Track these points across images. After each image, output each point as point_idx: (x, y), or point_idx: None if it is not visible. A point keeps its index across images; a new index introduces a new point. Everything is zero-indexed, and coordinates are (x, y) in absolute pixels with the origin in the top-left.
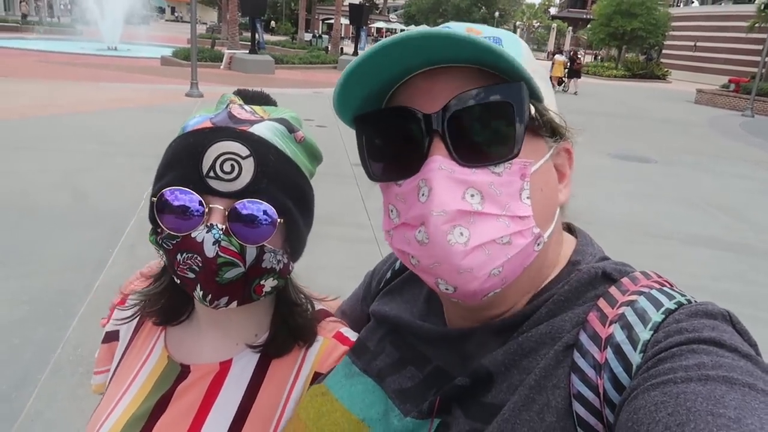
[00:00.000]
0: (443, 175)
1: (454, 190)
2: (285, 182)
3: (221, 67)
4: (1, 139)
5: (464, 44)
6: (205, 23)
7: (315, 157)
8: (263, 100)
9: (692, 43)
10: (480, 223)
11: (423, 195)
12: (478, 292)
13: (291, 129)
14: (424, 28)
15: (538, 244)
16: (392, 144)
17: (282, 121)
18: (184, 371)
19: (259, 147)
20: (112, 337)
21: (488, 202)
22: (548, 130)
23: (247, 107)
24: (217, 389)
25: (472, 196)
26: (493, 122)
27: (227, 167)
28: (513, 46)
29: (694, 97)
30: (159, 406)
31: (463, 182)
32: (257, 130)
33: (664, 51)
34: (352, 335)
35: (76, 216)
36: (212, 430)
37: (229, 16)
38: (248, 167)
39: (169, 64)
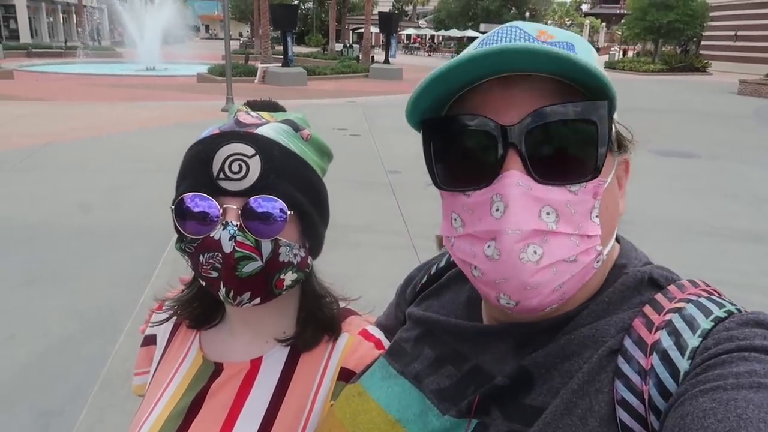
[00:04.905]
0: (520, 191)
1: (531, 208)
2: (293, 177)
3: (255, 81)
4: (48, 161)
5: (561, 61)
6: (238, 39)
7: (324, 153)
8: (272, 107)
9: (733, 33)
10: (553, 242)
11: (497, 210)
12: (538, 307)
13: (296, 128)
14: (524, 45)
15: (598, 261)
16: (463, 152)
17: (287, 121)
18: (218, 369)
19: (263, 145)
20: (150, 340)
21: (563, 221)
22: (615, 143)
23: (253, 113)
24: (249, 386)
25: (548, 214)
26: (576, 141)
27: (235, 167)
28: (586, 53)
29: (737, 87)
30: (195, 404)
31: (539, 200)
32: (262, 130)
33: (703, 42)
34: (377, 332)
35: (120, 233)
36: (245, 425)
37: (262, 31)
38: (255, 165)
39: (205, 81)
